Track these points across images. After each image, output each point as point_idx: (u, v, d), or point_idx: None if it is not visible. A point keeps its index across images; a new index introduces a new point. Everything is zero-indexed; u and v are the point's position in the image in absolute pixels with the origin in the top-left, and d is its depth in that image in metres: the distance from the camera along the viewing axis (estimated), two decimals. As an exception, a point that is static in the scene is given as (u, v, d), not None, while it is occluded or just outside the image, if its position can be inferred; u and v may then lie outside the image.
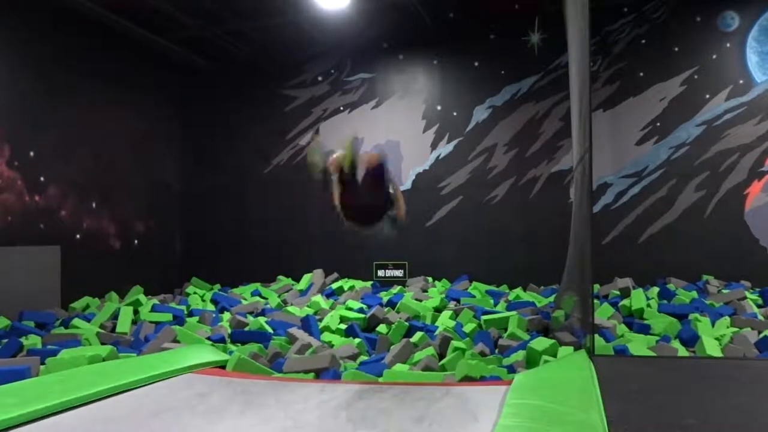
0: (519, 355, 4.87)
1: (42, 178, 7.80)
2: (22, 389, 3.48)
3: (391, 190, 4.15)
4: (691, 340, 5.35)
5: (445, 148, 9.46)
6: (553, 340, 5.10)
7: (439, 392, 3.72)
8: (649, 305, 6.53)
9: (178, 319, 6.63)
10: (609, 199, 8.65)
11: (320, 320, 6.30)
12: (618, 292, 7.24)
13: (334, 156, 3.90)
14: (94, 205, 8.52)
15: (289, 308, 7.00)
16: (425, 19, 8.87)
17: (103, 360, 4.77)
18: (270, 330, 5.96)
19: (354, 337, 5.69)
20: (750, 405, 3.17)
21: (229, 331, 5.91)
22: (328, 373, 4.51)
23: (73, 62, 8.34)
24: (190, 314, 7.11)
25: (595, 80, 8.65)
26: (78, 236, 8.21)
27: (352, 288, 8.31)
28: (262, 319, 6.21)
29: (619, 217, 8.60)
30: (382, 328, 6.04)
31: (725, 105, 8.30)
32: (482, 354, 4.96)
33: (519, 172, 9.09)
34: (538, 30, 9.03)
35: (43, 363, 4.64)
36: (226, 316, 6.74)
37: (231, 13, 8.78)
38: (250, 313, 6.95)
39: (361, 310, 6.74)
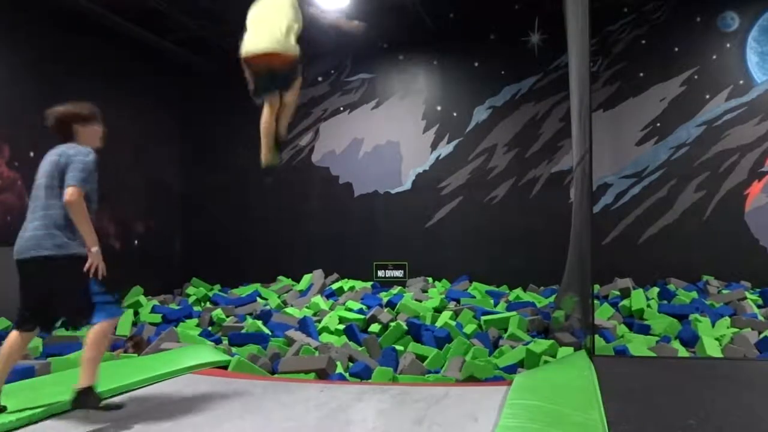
0: (519, 355, 4.87)
1: (42, 179, 7.78)
2: (20, 391, 3.48)
3: None
4: (691, 340, 5.35)
5: (445, 149, 9.46)
6: (552, 341, 5.10)
7: (439, 393, 3.71)
8: (649, 306, 6.53)
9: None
10: (609, 199, 8.65)
11: (319, 321, 6.30)
12: (618, 293, 7.23)
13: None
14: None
15: (288, 310, 7.00)
16: (425, 19, 8.86)
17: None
18: (268, 332, 5.96)
19: (352, 339, 5.68)
20: (750, 405, 3.17)
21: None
22: (333, 376, 4.51)
23: (73, 62, 8.33)
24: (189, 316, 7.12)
25: (595, 81, 8.64)
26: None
27: (352, 288, 8.30)
28: (259, 323, 6.20)
29: (619, 217, 8.60)
30: (374, 328, 6.02)
31: (725, 105, 8.30)
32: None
33: (519, 173, 9.09)
34: (538, 30, 9.03)
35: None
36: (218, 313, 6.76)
37: (231, 13, 8.76)
38: (250, 314, 6.95)
39: (360, 311, 6.74)
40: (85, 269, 3.02)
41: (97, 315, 3.04)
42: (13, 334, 3.20)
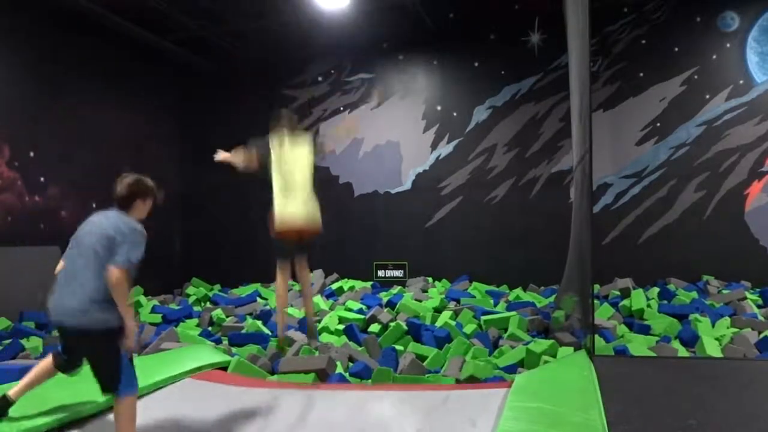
0: (519, 355, 4.86)
1: (42, 178, 7.80)
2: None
3: None
4: (691, 340, 5.35)
5: (445, 149, 9.46)
6: (552, 341, 5.10)
7: (439, 396, 3.71)
8: (649, 305, 6.52)
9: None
10: (609, 199, 8.65)
11: (319, 321, 6.29)
12: (618, 293, 7.23)
13: None
14: (94, 205, 8.52)
15: (288, 309, 6.99)
16: (425, 19, 8.86)
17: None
18: (268, 332, 5.96)
19: (352, 339, 5.68)
20: (750, 405, 3.17)
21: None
22: (333, 377, 4.50)
23: (73, 62, 8.34)
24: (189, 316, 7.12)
25: (595, 80, 8.65)
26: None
27: (351, 288, 8.30)
28: (259, 323, 6.20)
29: (619, 217, 8.60)
30: (374, 327, 6.01)
31: (725, 105, 8.30)
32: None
33: (519, 173, 9.09)
34: (538, 30, 9.02)
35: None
36: (218, 313, 6.76)
37: (231, 13, 8.78)
38: (250, 314, 6.95)
39: (360, 311, 6.73)
40: (120, 344, 3.00)
41: (123, 389, 2.99)
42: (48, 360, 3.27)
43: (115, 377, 2.98)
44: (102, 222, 3.06)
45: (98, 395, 3.49)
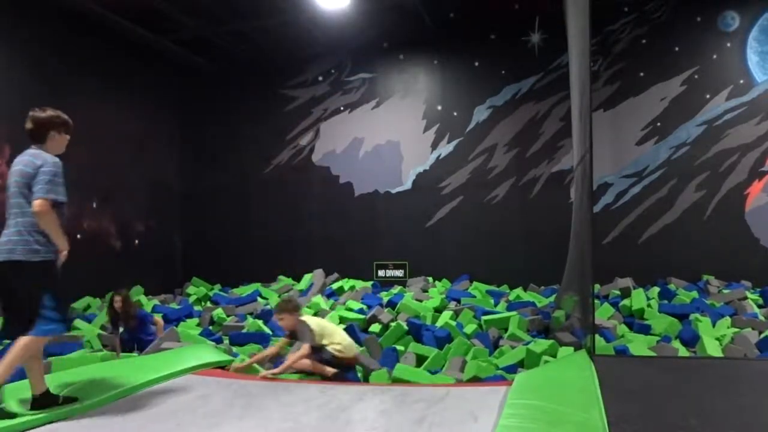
0: (519, 355, 4.86)
1: (42, 179, 7.79)
2: (20, 390, 3.47)
3: None
4: (691, 340, 5.35)
5: (445, 148, 9.46)
6: (552, 341, 5.10)
7: (440, 393, 3.71)
8: (649, 305, 6.52)
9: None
10: (609, 198, 8.65)
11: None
12: (618, 292, 7.23)
13: None
14: (94, 205, 8.52)
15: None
16: (425, 19, 8.87)
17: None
18: (268, 331, 5.96)
19: (353, 339, 5.67)
20: (750, 405, 3.17)
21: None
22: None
23: (73, 62, 8.34)
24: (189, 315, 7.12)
25: (595, 80, 8.65)
26: (78, 236, 8.21)
27: (352, 288, 8.30)
28: (259, 322, 6.21)
29: (619, 216, 8.60)
30: (375, 327, 6.01)
31: (725, 105, 8.30)
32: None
33: (519, 172, 9.09)
34: (539, 30, 9.03)
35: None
36: (219, 313, 6.76)
37: (231, 13, 8.78)
38: (250, 314, 6.96)
39: (360, 311, 6.74)
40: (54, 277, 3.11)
41: (35, 328, 3.02)
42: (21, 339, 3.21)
43: (35, 316, 3.02)
44: (18, 162, 3.20)
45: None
